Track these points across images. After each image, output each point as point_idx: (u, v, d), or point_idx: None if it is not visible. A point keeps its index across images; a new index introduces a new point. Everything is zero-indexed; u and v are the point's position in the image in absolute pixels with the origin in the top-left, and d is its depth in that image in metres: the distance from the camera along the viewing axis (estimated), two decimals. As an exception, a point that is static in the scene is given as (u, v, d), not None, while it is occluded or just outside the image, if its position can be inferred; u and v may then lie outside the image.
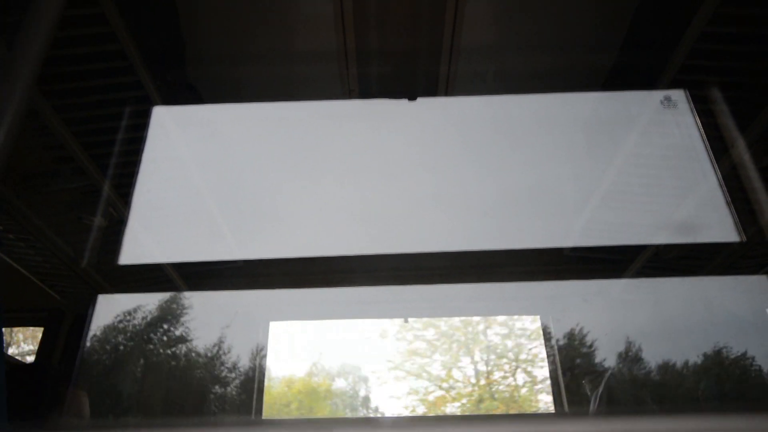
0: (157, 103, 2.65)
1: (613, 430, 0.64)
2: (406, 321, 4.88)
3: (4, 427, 1.24)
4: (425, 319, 5.33)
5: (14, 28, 1.48)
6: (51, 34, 1.48)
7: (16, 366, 3.12)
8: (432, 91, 2.90)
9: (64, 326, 3.48)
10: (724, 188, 2.62)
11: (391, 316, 4.36)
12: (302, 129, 3.24)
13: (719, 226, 2.78)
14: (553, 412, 3.99)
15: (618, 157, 3.09)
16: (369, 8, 2.43)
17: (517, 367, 5.42)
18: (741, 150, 2.50)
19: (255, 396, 3.77)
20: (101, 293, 3.27)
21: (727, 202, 2.64)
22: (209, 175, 3.23)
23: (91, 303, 3.25)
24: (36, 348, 3.44)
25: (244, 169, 3.42)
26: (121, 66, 2.40)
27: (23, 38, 1.43)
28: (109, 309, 3.39)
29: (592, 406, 3.55)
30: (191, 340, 3.84)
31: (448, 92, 2.88)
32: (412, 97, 2.87)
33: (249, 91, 2.92)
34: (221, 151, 3.25)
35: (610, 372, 3.68)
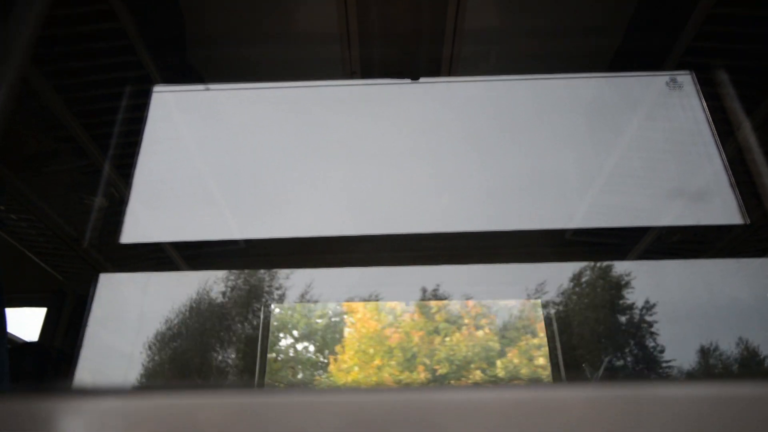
0: (157, 83, 2.64)
1: (614, 396, 0.64)
2: (407, 304, 4.90)
3: (7, 390, 1.27)
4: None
5: (8, 2, 1.47)
6: (45, 9, 1.46)
7: (19, 345, 3.15)
8: (435, 72, 2.88)
9: (67, 306, 3.51)
10: (729, 171, 2.61)
11: (392, 299, 4.38)
12: (304, 110, 3.23)
13: (724, 210, 2.77)
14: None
15: (622, 140, 3.07)
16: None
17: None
18: (747, 133, 2.48)
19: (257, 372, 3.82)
20: (103, 273, 3.29)
21: (731, 185, 2.63)
22: (210, 155, 3.23)
23: (93, 282, 3.27)
24: (39, 327, 3.47)
25: (245, 149, 3.41)
26: (121, 45, 2.38)
27: (18, 13, 1.42)
28: (111, 288, 3.41)
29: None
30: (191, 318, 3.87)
31: (451, 73, 2.86)
32: (414, 77, 2.85)
33: (251, 72, 2.91)
34: (222, 131, 3.24)
35: (608, 358, 3.70)
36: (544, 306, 4.25)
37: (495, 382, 5.07)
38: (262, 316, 3.94)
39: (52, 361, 2.92)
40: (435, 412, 0.64)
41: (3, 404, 0.65)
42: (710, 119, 2.57)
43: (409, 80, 2.85)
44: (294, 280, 3.90)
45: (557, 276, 4.00)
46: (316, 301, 4.35)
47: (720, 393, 0.65)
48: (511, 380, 5.13)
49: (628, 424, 0.62)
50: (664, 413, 0.63)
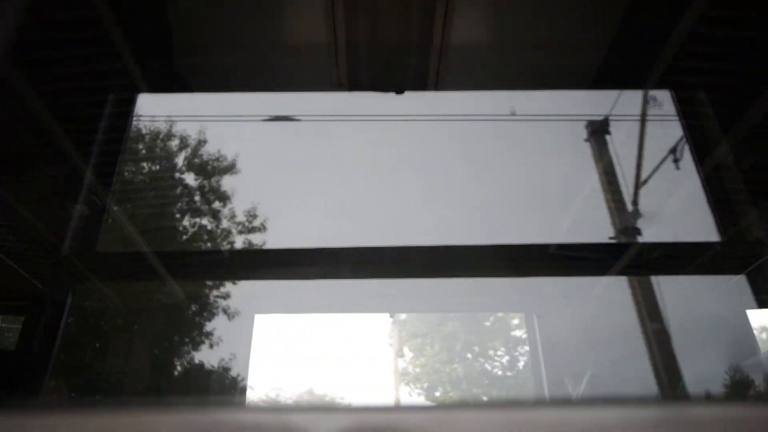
0: (142, 91, 2.63)
1: (595, 418, 0.65)
2: (392, 316, 4.89)
3: None
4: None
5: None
6: (23, 12, 1.46)
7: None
8: (421, 85, 2.91)
9: (45, 314, 3.45)
10: (707, 189, 2.66)
11: (377, 311, 4.38)
12: (292, 121, 3.24)
13: (701, 227, 2.81)
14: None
15: (604, 156, 3.12)
16: (360, 3, 2.44)
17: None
18: (724, 152, 2.53)
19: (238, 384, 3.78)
20: (82, 281, 3.25)
21: (709, 202, 2.68)
22: (193, 164, 3.22)
23: (71, 291, 3.23)
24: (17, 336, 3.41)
25: (231, 159, 3.41)
26: (106, 52, 2.38)
27: None
28: (88, 297, 3.37)
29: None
30: (172, 331, 3.83)
31: (438, 87, 2.89)
32: (399, 91, 2.88)
33: (239, 82, 2.91)
34: (206, 140, 3.24)
35: (590, 373, 3.72)
36: (528, 319, 4.28)
37: (473, 402, 5.07)
38: (245, 326, 3.91)
39: (28, 370, 2.88)
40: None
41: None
42: (688, 137, 2.63)
43: (394, 93, 2.87)
44: (277, 290, 3.88)
45: (541, 289, 4.02)
46: (299, 312, 4.33)
47: (703, 415, 0.66)
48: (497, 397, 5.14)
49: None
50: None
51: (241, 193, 3.45)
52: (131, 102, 2.67)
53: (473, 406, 0.70)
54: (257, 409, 0.81)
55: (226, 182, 3.45)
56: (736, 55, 2.35)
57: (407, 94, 2.90)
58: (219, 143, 3.33)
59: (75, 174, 2.81)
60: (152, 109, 2.96)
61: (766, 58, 2.28)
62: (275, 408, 0.68)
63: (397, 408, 0.73)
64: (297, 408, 0.72)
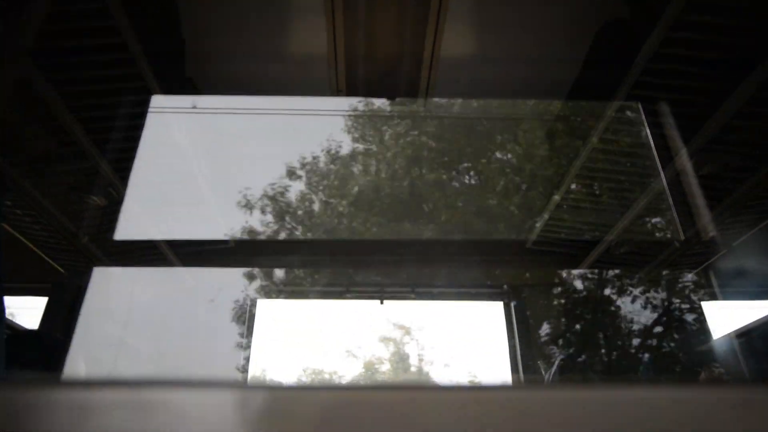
0: (156, 93, 2.64)
1: (567, 398, 0.67)
2: (382, 303, 4.93)
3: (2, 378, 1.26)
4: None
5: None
6: (45, 8, 1.46)
7: (18, 333, 3.11)
8: (413, 93, 2.93)
9: (66, 297, 3.47)
10: (668, 192, 2.70)
11: (368, 298, 4.41)
12: (294, 122, 3.25)
13: (664, 226, 2.86)
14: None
15: (578, 161, 3.15)
16: (358, 18, 2.45)
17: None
18: (684, 159, 2.57)
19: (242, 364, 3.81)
20: (99, 266, 3.27)
21: (670, 205, 2.72)
22: (202, 161, 3.23)
23: (89, 275, 3.25)
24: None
25: (238, 157, 3.42)
26: (123, 58, 2.39)
27: (16, 13, 1.40)
28: (106, 281, 3.39)
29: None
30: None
31: (428, 95, 2.91)
32: (392, 98, 2.90)
33: (246, 87, 2.92)
34: (215, 139, 3.25)
35: (560, 356, 3.77)
36: (506, 307, 4.32)
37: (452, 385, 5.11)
38: (248, 311, 3.94)
39: (48, 349, 2.89)
40: (418, 409, 0.65)
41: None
42: (653, 146, 2.66)
43: (387, 100, 2.89)
44: (278, 277, 3.91)
45: (519, 281, 4.06)
46: (297, 298, 4.35)
47: (666, 397, 0.68)
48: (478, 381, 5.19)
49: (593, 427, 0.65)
50: (623, 415, 0.65)
51: (246, 188, 3.46)
52: (145, 103, 2.68)
53: (453, 389, 0.72)
54: (256, 387, 0.83)
55: (233, 177, 3.46)
56: (696, 73, 2.38)
57: (399, 100, 2.92)
58: (225, 141, 3.34)
59: (93, 169, 2.83)
60: (164, 110, 2.96)
61: (723, 76, 2.31)
62: (272, 386, 0.70)
63: (381, 387, 0.75)
64: (293, 387, 0.74)
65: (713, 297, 3.12)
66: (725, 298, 3.32)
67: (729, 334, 3.13)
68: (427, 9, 2.25)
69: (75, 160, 2.72)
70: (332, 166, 3.40)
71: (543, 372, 3.87)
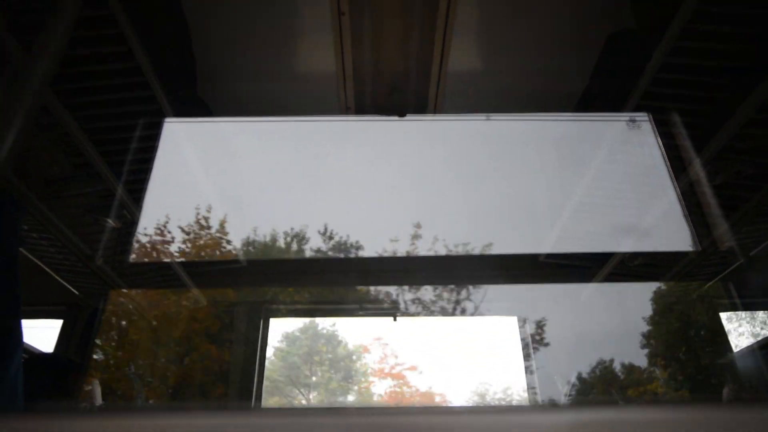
0: (169, 116, 2.67)
1: (584, 420, 0.65)
2: (395, 320, 4.89)
3: (20, 410, 1.25)
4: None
5: (32, 30, 1.48)
6: (67, 36, 1.48)
7: (35, 356, 3.12)
8: (422, 109, 2.93)
9: (81, 319, 3.48)
10: (683, 203, 2.66)
11: (381, 315, 4.37)
12: (304, 141, 3.27)
13: (679, 237, 2.81)
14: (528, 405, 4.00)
15: (588, 173, 3.13)
16: (364, 35, 2.47)
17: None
18: (697, 169, 2.53)
19: (255, 386, 3.77)
20: (113, 289, 3.28)
21: (685, 215, 2.68)
22: (215, 182, 3.25)
23: (104, 298, 3.26)
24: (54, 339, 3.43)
25: (249, 177, 3.44)
26: (136, 81, 2.42)
27: (42, 40, 1.43)
28: (120, 304, 3.40)
29: (563, 400, 3.57)
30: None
31: (436, 110, 2.91)
32: (401, 114, 2.91)
33: (255, 107, 2.95)
34: (227, 161, 3.27)
35: (577, 374, 3.70)
36: (521, 324, 4.26)
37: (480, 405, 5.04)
38: (260, 331, 3.91)
39: (64, 372, 2.89)
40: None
41: (17, 423, 0.65)
42: (665, 156, 2.63)
43: (396, 117, 2.90)
44: (289, 296, 3.89)
45: (532, 296, 4.01)
46: (308, 317, 4.33)
47: (689, 418, 0.65)
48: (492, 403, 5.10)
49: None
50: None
51: (256, 209, 3.46)
52: (158, 126, 2.71)
53: (469, 411, 0.70)
54: (268, 412, 0.81)
55: (245, 198, 3.47)
56: (705, 82, 2.36)
57: (407, 118, 2.92)
58: (237, 162, 3.36)
59: (108, 192, 2.85)
60: (177, 133, 3.00)
61: (733, 85, 2.29)
62: (285, 411, 0.68)
63: (397, 410, 0.74)
64: (306, 411, 0.73)
65: (734, 308, 3.05)
66: (745, 308, 3.25)
67: (751, 345, 3.05)
68: (433, 24, 2.26)
69: (89, 182, 2.75)
70: (343, 181, 3.40)
71: (559, 386, 3.80)
